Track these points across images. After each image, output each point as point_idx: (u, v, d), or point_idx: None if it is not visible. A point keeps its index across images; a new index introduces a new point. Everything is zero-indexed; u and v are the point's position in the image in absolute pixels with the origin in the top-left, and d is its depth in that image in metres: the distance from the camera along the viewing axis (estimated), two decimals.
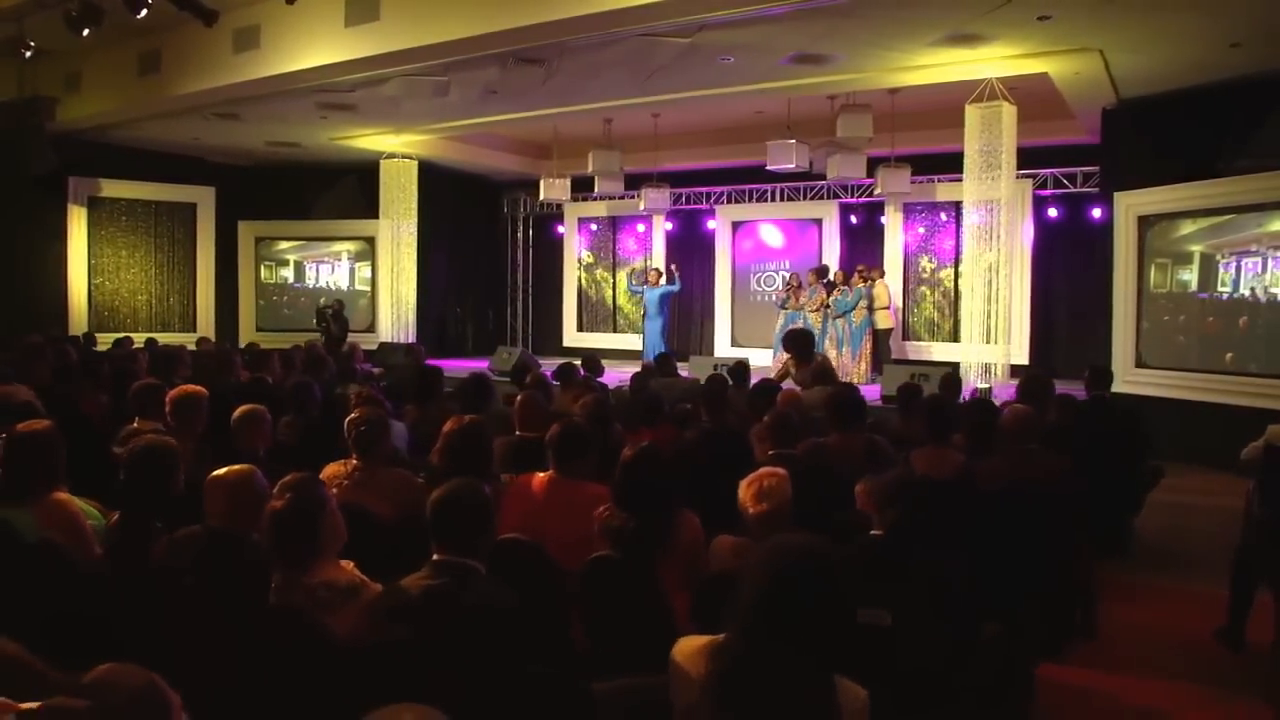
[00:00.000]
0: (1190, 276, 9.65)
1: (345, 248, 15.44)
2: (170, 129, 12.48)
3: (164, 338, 11.71)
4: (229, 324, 14.54)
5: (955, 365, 10.16)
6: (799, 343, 8.00)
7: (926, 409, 4.79)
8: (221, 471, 2.93)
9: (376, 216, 14.24)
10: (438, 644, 2.29)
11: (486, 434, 3.72)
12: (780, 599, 1.94)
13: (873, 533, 3.03)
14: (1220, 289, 9.40)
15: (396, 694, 2.42)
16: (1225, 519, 6.66)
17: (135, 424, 4.81)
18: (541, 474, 3.66)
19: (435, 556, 2.47)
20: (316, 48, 9.61)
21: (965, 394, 8.15)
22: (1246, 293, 9.12)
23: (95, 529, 3.60)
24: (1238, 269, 9.30)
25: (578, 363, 7.65)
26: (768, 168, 11.73)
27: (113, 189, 13.63)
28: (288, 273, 15.59)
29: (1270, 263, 8.97)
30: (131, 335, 10.26)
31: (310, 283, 15.61)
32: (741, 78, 9.85)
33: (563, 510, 3.51)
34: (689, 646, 2.11)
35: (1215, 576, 5.60)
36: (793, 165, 11.48)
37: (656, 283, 12.53)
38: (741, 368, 7.12)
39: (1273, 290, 8.87)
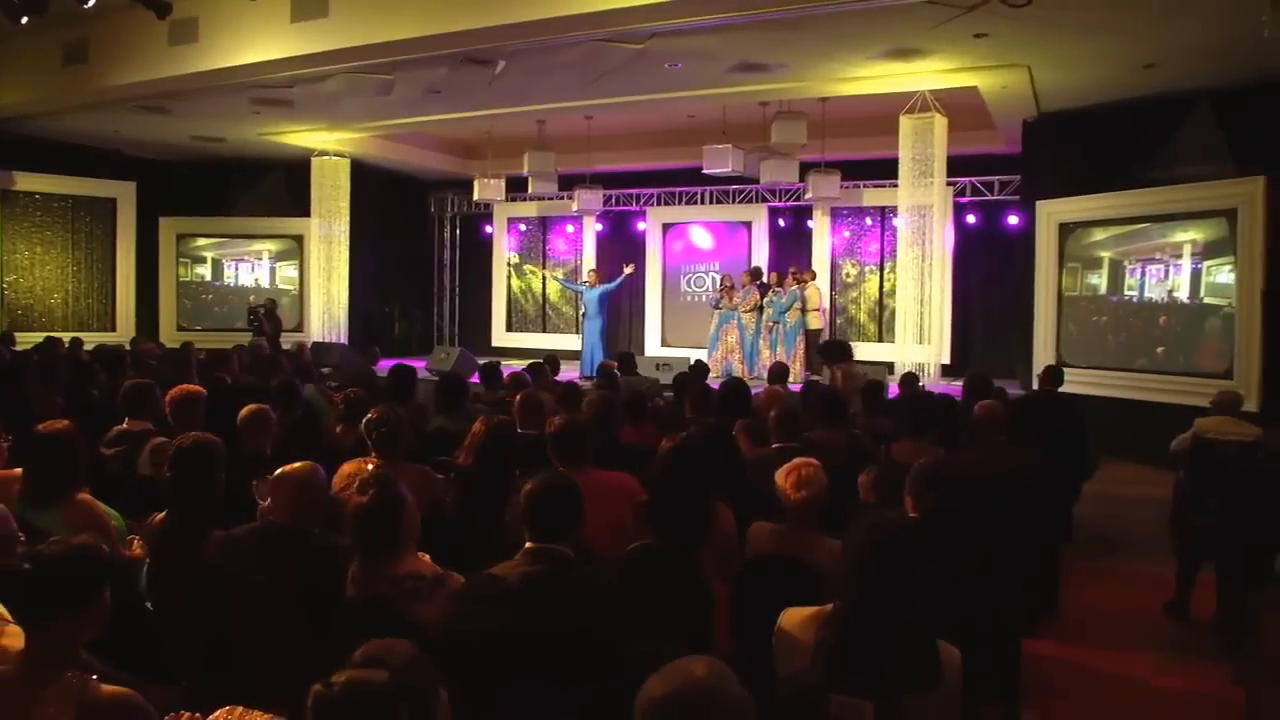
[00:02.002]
0: (1099, 281, 10.33)
1: (266, 246, 15.09)
2: (90, 121, 12.01)
3: (84, 337, 11.28)
4: (148, 323, 14.05)
5: (887, 365, 10.65)
6: (833, 352, 8.41)
7: (909, 405, 5.07)
8: (288, 468, 2.98)
9: (303, 214, 13.99)
10: (542, 627, 2.42)
11: (515, 434, 3.83)
12: (884, 567, 2.16)
13: (910, 515, 3.26)
14: (1128, 293, 10.10)
15: (498, 678, 2.55)
16: (1149, 507, 7.24)
17: (125, 424, 4.74)
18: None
19: (529, 545, 2.59)
20: (259, 43, 9.43)
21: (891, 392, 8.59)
22: (1153, 297, 9.81)
23: (118, 530, 3.60)
24: (1142, 275, 10.00)
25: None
26: (704, 171, 12.00)
27: (27, 183, 13.04)
28: (204, 270, 15.14)
29: (1172, 270, 9.69)
30: (59, 336, 9.84)
31: (229, 281, 15.22)
32: (687, 84, 10.08)
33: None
34: (796, 617, 2.30)
35: (1149, 558, 6.12)
36: (729, 169, 11.78)
37: (596, 283, 12.67)
38: (701, 367, 7.32)
39: (1176, 295, 9.58)
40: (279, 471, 2.98)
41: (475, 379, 7.84)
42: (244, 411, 4.33)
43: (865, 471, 4.14)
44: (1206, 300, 9.24)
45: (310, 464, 3.03)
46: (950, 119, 10.28)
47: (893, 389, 9.30)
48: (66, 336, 10.25)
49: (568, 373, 10.31)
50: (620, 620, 2.48)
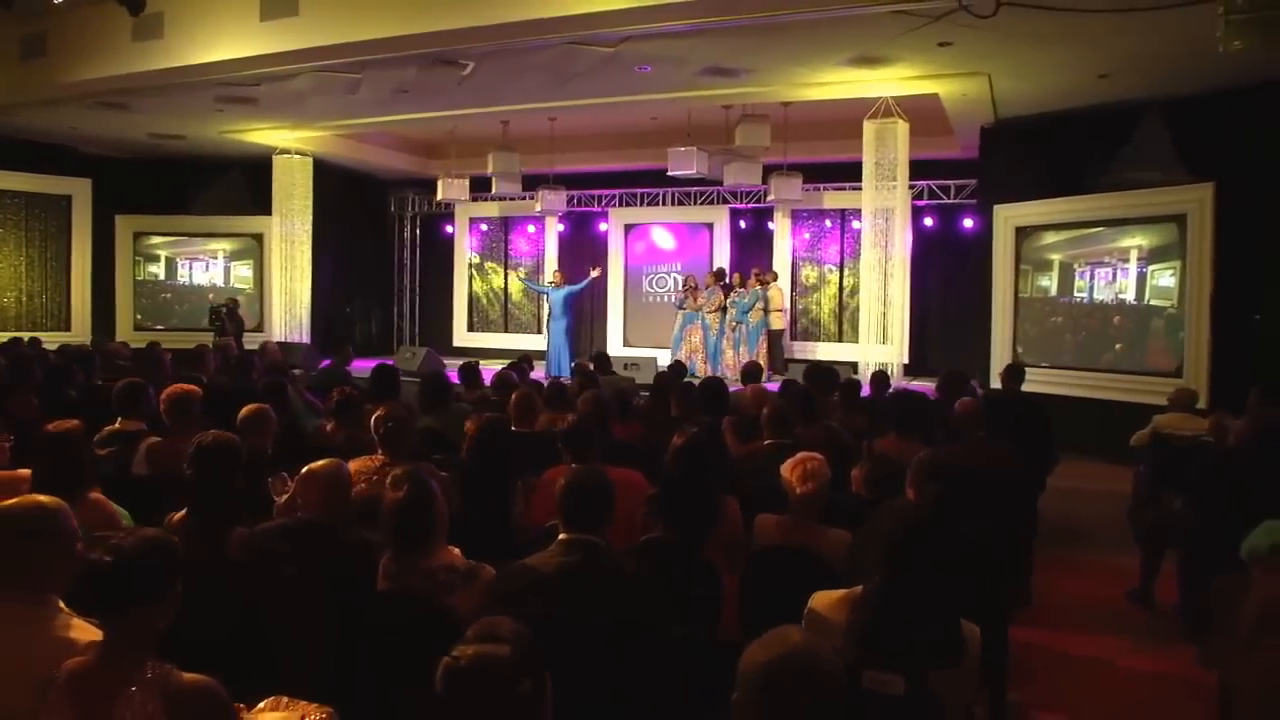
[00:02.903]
0: (1049, 283, 10.69)
1: (221, 246, 14.90)
2: (45, 117, 11.76)
3: (40, 337, 11.05)
4: (104, 322, 13.79)
5: (851, 364, 10.88)
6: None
7: (895, 403, 5.26)
8: (315, 466, 3.04)
9: (262, 212, 13.85)
10: (581, 615, 2.52)
11: (506, 430, 3.93)
12: (911, 552, 2.31)
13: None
14: (1077, 295, 10.47)
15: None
16: (1106, 501, 7.54)
17: (119, 424, 4.73)
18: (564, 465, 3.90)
19: (563, 536, 2.69)
20: (226, 40, 9.35)
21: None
22: (1101, 299, 10.18)
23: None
24: (1091, 277, 10.38)
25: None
26: (669, 173, 12.14)
27: None
28: (157, 269, 14.90)
29: (1119, 273, 10.08)
30: (21, 335, 9.66)
31: (183, 280, 15.00)
32: (656, 87, 10.20)
33: None
34: (826, 599, 2.44)
35: (1109, 550, 6.40)
36: (694, 171, 11.93)
37: (561, 284, 12.74)
38: (679, 367, 7.45)
39: (1123, 297, 9.96)
40: (306, 469, 3.04)
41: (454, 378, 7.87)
42: (245, 411, 4.36)
43: (858, 466, 4.32)
44: (1152, 302, 9.62)
45: (336, 461, 3.10)
46: (909, 124, 10.55)
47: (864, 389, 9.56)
48: (25, 336, 10.07)
49: (534, 373, 10.36)
50: (654, 607, 2.59)
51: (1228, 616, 4.00)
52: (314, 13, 8.93)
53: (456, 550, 2.89)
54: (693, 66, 9.42)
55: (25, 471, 3.79)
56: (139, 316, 14.50)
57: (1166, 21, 7.07)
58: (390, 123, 12.41)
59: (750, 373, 7.57)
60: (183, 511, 3.25)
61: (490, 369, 7.54)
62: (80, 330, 13.03)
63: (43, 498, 2.27)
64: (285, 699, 2.43)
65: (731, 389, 6.78)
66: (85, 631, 2.11)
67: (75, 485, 3.50)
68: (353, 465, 4.10)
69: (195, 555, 3.25)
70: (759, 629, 3.25)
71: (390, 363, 6.31)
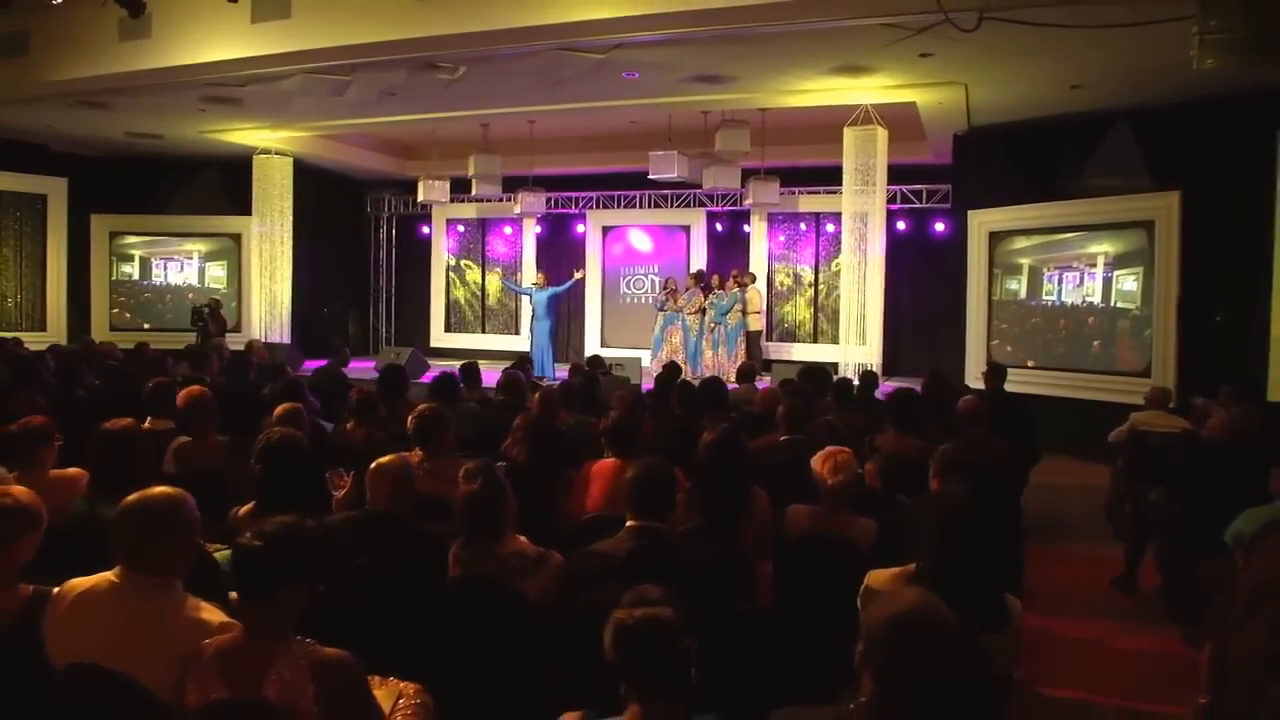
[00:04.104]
0: (1019, 286, 11.07)
1: (196, 246, 14.83)
2: (21, 115, 11.65)
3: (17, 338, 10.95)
4: (79, 323, 13.66)
5: (831, 365, 11.15)
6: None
7: (896, 401, 5.52)
8: (383, 461, 3.20)
9: (239, 212, 13.82)
10: None
11: (559, 429, 4.11)
12: (962, 531, 2.55)
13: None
14: (1045, 298, 10.85)
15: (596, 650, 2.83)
16: (1081, 495, 7.89)
17: (148, 424, 4.82)
18: (608, 459, 4.09)
19: (631, 523, 2.88)
20: (216, 41, 9.39)
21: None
22: (1068, 301, 10.56)
23: None
24: (1059, 281, 10.77)
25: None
26: (650, 176, 12.34)
27: None
28: (131, 269, 14.78)
29: (1086, 277, 10.47)
30: (17, 335, 9.60)
31: (157, 280, 14.90)
32: (643, 92, 10.39)
33: None
34: (882, 576, 2.67)
35: (1088, 540, 6.72)
36: (675, 175, 12.15)
37: (545, 285, 12.90)
38: (675, 368, 7.65)
39: (1090, 300, 10.35)
40: (375, 464, 3.19)
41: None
42: (279, 410, 4.48)
43: (869, 461, 4.57)
44: (1117, 305, 10.02)
45: (401, 456, 3.26)
46: (888, 131, 10.85)
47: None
48: (7, 336, 10.00)
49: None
50: (718, 587, 2.79)
51: (1221, 595, 4.31)
52: (306, 15, 8.99)
53: (523, 538, 3.06)
54: (679, 73, 9.63)
55: (76, 470, 3.91)
56: (122, 315, 14.37)
57: (1140, 37, 7.40)
58: (374, 124, 12.47)
59: (746, 373, 7.80)
60: (249, 504, 3.39)
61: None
62: (56, 331, 12.92)
63: (171, 490, 2.41)
64: (378, 678, 2.60)
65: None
66: (211, 613, 2.26)
67: (133, 481, 3.62)
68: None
69: None
70: (794, 608, 3.49)
71: (399, 364, 6.43)
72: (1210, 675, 3.73)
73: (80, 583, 2.32)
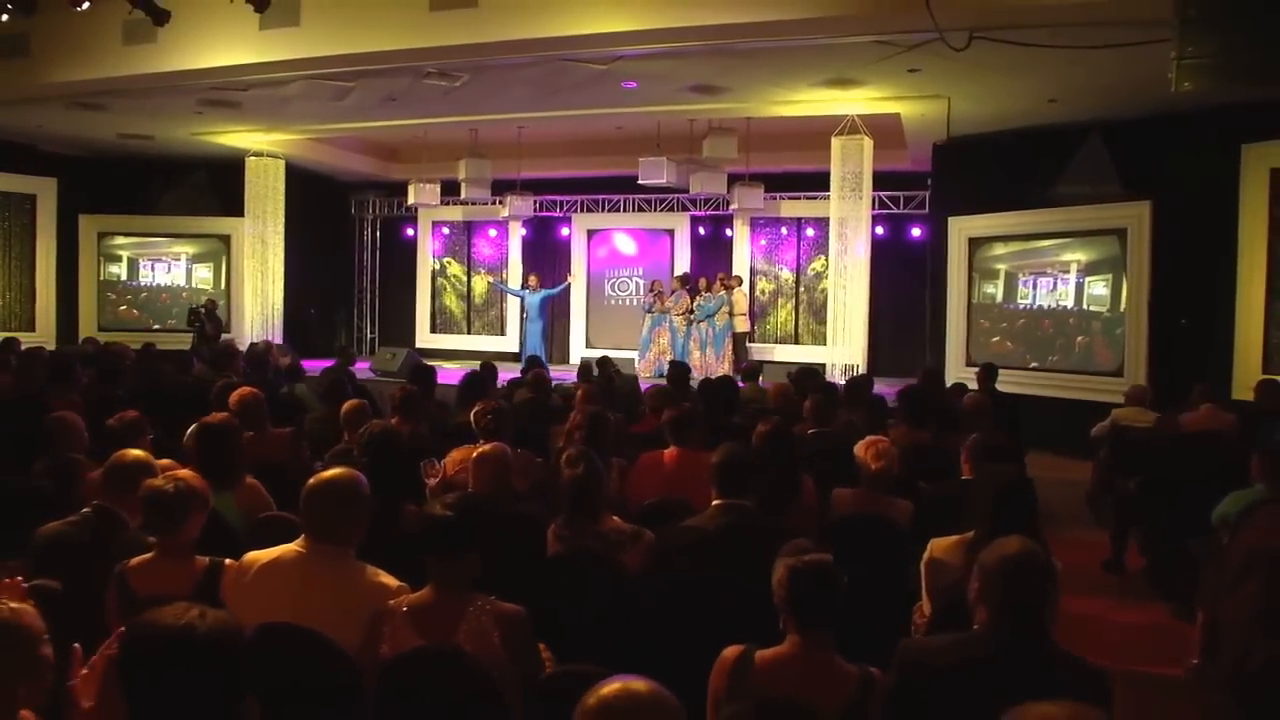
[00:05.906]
0: (995, 291, 11.61)
1: (185, 248, 14.91)
2: (13, 115, 11.69)
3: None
4: (68, 323, 13.68)
5: (820, 366, 11.59)
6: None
7: (905, 399, 5.93)
8: (485, 449, 3.52)
9: (228, 214, 13.93)
10: (740, 565, 3.07)
11: (608, 421, 4.45)
12: (1011, 502, 2.95)
13: (964, 478, 4.08)
14: (1020, 302, 11.40)
15: (704, 611, 3.17)
16: (1058, 486, 8.35)
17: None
18: (667, 450, 4.43)
19: (717, 501, 3.24)
20: (224, 47, 9.54)
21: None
22: (1042, 305, 11.11)
23: None
24: (1034, 286, 11.32)
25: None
26: (640, 181, 12.67)
27: None
28: (118, 269, 14.83)
29: (1059, 282, 11.02)
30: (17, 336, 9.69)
31: (145, 281, 14.95)
32: (640, 102, 10.73)
33: (689, 475, 4.29)
34: (944, 544, 3.06)
35: (1073, 527, 7.20)
36: (664, 180, 12.50)
37: (537, 287, 13.20)
38: (682, 368, 7.99)
39: (1063, 304, 10.91)
40: (478, 453, 3.52)
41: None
42: (347, 406, 4.77)
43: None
44: (1089, 308, 10.58)
45: (501, 445, 3.57)
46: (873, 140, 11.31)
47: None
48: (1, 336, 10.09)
49: (507, 373, 10.73)
50: None
51: (1211, 567, 4.78)
52: (314, 23, 9.19)
53: (617, 517, 3.40)
54: (676, 84, 9.98)
55: (167, 462, 4.16)
56: (111, 315, 14.39)
57: (1119, 56, 7.89)
58: (370, 129, 12.67)
59: (751, 372, 8.20)
60: None
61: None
62: (45, 331, 12.94)
63: (349, 471, 2.72)
64: None
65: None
66: (387, 578, 2.58)
67: (233, 472, 3.91)
68: (454, 454, 4.57)
69: (373, 531, 3.71)
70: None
71: (429, 365, 6.71)
72: (1203, 639, 4.20)
73: (263, 554, 2.62)
